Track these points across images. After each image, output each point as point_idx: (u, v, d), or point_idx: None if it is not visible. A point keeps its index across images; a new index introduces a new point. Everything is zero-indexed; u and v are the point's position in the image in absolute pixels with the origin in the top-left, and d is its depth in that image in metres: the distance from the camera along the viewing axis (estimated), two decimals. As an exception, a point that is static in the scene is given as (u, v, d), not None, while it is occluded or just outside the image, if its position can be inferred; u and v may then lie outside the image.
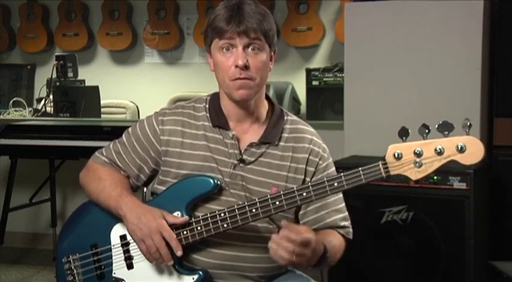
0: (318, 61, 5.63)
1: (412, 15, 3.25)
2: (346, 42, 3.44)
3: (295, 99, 5.31)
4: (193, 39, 5.88)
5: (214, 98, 1.90)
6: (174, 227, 1.77)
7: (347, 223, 1.90)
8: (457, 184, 2.84)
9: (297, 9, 5.57)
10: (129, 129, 1.94)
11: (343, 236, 1.88)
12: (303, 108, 5.35)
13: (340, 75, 4.92)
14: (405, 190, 2.89)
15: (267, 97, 1.90)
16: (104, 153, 1.95)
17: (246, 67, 1.74)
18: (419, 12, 3.23)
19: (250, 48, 1.75)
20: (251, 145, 1.83)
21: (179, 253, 1.75)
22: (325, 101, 5.07)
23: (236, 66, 1.74)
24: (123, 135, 1.95)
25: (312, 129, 1.92)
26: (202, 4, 5.77)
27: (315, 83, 5.13)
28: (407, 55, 3.26)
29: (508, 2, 3.22)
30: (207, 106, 1.89)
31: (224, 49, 1.76)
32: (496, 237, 3.17)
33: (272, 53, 1.82)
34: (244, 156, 1.82)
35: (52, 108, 4.88)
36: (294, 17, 5.54)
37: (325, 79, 5.10)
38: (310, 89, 5.15)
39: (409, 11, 3.25)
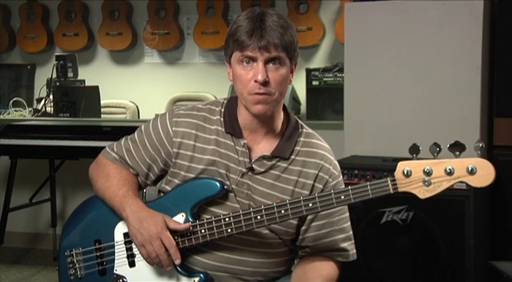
0: (318, 61, 5.64)
1: (412, 15, 3.25)
2: (346, 42, 3.44)
3: (295, 99, 5.32)
4: (193, 39, 5.89)
5: (231, 104, 1.87)
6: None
7: (348, 244, 1.87)
8: (457, 184, 2.83)
9: (297, 9, 5.57)
10: (142, 127, 1.92)
11: (339, 261, 1.87)
12: (303, 108, 5.36)
13: (340, 75, 4.93)
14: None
15: (284, 107, 1.87)
16: (115, 150, 1.93)
17: (265, 82, 1.71)
18: (419, 12, 3.23)
19: (271, 63, 1.72)
20: (263, 157, 1.81)
21: (177, 261, 1.75)
22: (325, 101, 5.08)
23: (255, 81, 1.71)
24: (135, 133, 1.93)
25: (326, 145, 1.89)
26: (202, 4, 5.77)
27: (315, 83, 5.14)
28: (407, 55, 3.26)
29: (508, 2, 3.21)
30: (223, 110, 1.86)
31: (244, 62, 1.72)
32: (496, 237, 3.17)
33: (293, 66, 1.79)
34: (254, 166, 1.81)
35: (52, 108, 4.88)
36: (294, 17, 5.54)
37: (325, 79, 5.11)
38: (310, 89, 5.16)
39: (409, 11, 3.25)
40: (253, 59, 1.71)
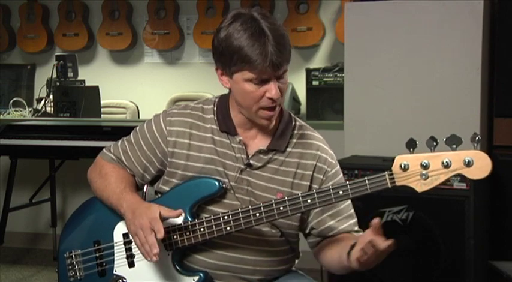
0: (318, 61, 5.63)
1: (412, 15, 3.25)
2: (346, 42, 3.44)
3: (295, 99, 5.32)
4: (193, 39, 5.89)
5: (223, 102, 1.87)
6: (177, 229, 1.77)
7: (357, 228, 1.90)
8: (457, 184, 2.84)
9: (297, 9, 5.57)
10: (137, 128, 1.94)
11: None
12: (303, 108, 5.35)
13: (340, 75, 4.93)
14: (405, 190, 2.89)
15: None
16: (112, 151, 1.95)
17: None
18: (419, 12, 3.23)
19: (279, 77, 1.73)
20: (259, 151, 1.82)
21: (159, 236, 1.69)
22: (325, 101, 5.07)
23: (269, 98, 1.71)
24: (131, 134, 1.94)
25: (320, 136, 1.91)
26: (202, 4, 5.77)
27: (315, 83, 5.14)
28: (407, 55, 3.26)
29: (508, 2, 3.21)
30: (215, 109, 1.87)
31: (255, 81, 1.71)
32: (496, 237, 3.17)
33: None
34: (252, 161, 1.82)
35: (52, 108, 4.88)
36: (294, 17, 5.55)
37: (325, 79, 5.11)
38: (310, 89, 5.16)
39: (409, 11, 3.25)
40: (265, 80, 1.71)
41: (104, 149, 1.98)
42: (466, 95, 3.16)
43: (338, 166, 1.90)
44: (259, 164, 1.82)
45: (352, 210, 1.90)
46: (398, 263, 2.97)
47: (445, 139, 1.57)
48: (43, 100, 5.05)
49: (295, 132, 1.87)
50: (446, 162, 1.57)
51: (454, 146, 1.57)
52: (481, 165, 1.56)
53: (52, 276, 3.98)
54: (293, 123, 1.88)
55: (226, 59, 1.73)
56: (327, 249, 1.85)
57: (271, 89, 1.70)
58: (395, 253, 2.96)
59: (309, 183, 1.82)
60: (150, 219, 1.71)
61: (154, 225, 1.70)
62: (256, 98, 1.73)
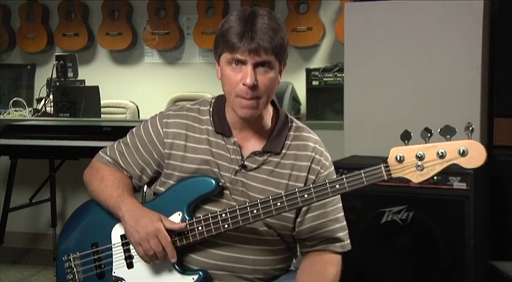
0: (318, 61, 5.64)
1: (412, 15, 3.25)
2: (346, 42, 3.44)
3: (295, 99, 5.32)
4: (193, 39, 5.89)
5: (219, 103, 1.88)
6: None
7: (343, 234, 1.87)
8: (457, 184, 2.84)
9: (297, 9, 5.58)
10: (133, 129, 1.94)
11: (338, 252, 1.86)
12: (303, 108, 5.36)
13: (340, 75, 4.93)
14: (405, 190, 2.89)
15: (272, 102, 1.86)
16: (108, 153, 1.94)
17: (254, 86, 1.70)
18: (419, 12, 3.23)
19: (260, 67, 1.70)
20: (254, 153, 1.82)
21: (173, 260, 1.76)
22: (325, 101, 5.08)
23: (244, 84, 1.70)
24: (127, 136, 1.94)
25: (316, 137, 1.90)
26: (202, 4, 5.78)
27: (315, 83, 5.14)
28: (407, 55, 3.26)
29: (508, 2, 3.21)
30: (211, 110, 1.87)
31: (233, 64, 1.72)
32: (496, 237, 3.17)
33: (282, 67, 1.77)
34: (246, 163, 1.81)
35: (52, 108, 4.88)
36: (294, 17, 5.55)
37: (325, 79, 5.11)
38: (310, 89, 5.16)
39: (409, 11, 3.25)
40: (243, 62, 1.70)
41: (99, 152, 1.98)
42: (466, 95, 3.16)
43: (332, 168, 1.88)
44: (254, 166, 1.82)
45: (340, 215, 1.87)
46: (398, 263, 2.97)
47: (439, 130, 1.59)
48: (43, 100, 5.05)
49: (291, 133, 1.86)
50: (441, 152, 1.59)
51: (449, 137, 1.59)
52: (475, 155, 1.57)
53: (52, 277, 3.98)
54: (289, 124, 1.88)
55: (216, 43, 1.76)
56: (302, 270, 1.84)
57: (246, 75, 1.69)
58: (395, 253, 2.98)
59: (303, 185, 1.81)
60: (155, 230, 1.73)
61: (162, 239, 1.73)
62: (232, 84, 1.72)
